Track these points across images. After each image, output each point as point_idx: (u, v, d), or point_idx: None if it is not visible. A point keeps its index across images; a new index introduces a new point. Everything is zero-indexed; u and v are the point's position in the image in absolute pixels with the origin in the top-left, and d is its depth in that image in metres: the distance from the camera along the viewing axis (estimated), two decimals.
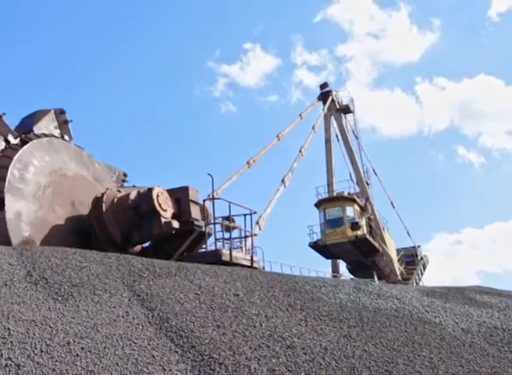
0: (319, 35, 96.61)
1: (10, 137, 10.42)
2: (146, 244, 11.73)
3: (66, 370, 4.03)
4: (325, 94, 36.10)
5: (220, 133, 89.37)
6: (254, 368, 4.32)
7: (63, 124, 11.84)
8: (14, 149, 10.15)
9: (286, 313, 5.72)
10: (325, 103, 35.58)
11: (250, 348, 4.69)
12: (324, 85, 36.61)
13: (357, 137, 36.96)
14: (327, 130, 36.01)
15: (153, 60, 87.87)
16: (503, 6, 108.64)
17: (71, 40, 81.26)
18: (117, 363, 4.24)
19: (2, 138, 10.31)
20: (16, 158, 9.90)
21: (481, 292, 7.78)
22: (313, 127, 33.13)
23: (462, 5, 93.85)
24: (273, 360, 4.49)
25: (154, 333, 4.93)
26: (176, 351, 4.57)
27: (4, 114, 10.46)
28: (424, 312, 6.35)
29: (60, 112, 11.83)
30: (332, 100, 35.96)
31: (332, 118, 36.27)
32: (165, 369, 4.25)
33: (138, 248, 11.56)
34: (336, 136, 36.37)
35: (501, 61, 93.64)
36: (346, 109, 36.99)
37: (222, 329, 5.09)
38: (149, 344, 4.65)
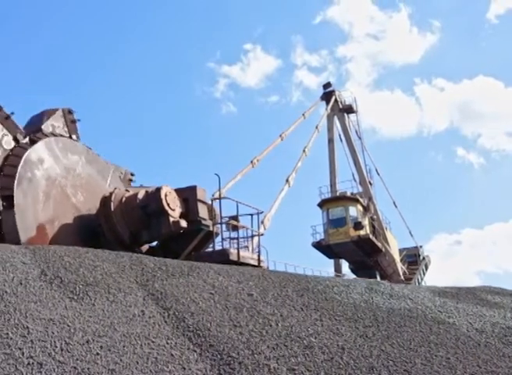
0: (319, 36, 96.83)
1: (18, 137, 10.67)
2: (153, 244, 11.74)
3: (88, 369, 4.04)
4: (328, 94, 36.20)
5: (220, 134, 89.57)
6: (274, 367, 4.32)
7: (71, 124, 11.87)
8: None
9: (301, 313, 5.72)
10: (328, 103, 35.67)
11: (268, 347, 4.70)
12: (327, 85, 36.72)
13: (360, 137, 37.04)
14: (330, 129, 36.09)
15: (153, 60, 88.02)
16: (502, 8, 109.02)
17: (71, 40, 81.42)
18: (137, 362, 4.25)
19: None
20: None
21: (492, 292, 7.78)
22: (316, 127, 33.19)
23: (461, 6, 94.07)
24: (292, 359, 4.49)
25: (171, 332, 4.93)
26: (195, 351, 4.58)
27: (12, 113, 10.30)
28: (438, 312, 6.35)
29: (68, 112, 11.86)
30: (335, 100, 36.04)
31: (335, 118, 36.32)
32: (184, 368, 4.26)
33: (145, 247, 11.58)
34: (339, 136, 36.44)
35: (500, 62, 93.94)
36: (349, 109, 37.05)
37: (239, 328, 5.10)
38: (167, 343, 4.66)
